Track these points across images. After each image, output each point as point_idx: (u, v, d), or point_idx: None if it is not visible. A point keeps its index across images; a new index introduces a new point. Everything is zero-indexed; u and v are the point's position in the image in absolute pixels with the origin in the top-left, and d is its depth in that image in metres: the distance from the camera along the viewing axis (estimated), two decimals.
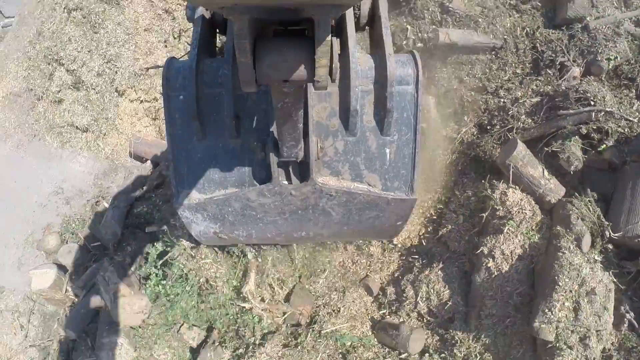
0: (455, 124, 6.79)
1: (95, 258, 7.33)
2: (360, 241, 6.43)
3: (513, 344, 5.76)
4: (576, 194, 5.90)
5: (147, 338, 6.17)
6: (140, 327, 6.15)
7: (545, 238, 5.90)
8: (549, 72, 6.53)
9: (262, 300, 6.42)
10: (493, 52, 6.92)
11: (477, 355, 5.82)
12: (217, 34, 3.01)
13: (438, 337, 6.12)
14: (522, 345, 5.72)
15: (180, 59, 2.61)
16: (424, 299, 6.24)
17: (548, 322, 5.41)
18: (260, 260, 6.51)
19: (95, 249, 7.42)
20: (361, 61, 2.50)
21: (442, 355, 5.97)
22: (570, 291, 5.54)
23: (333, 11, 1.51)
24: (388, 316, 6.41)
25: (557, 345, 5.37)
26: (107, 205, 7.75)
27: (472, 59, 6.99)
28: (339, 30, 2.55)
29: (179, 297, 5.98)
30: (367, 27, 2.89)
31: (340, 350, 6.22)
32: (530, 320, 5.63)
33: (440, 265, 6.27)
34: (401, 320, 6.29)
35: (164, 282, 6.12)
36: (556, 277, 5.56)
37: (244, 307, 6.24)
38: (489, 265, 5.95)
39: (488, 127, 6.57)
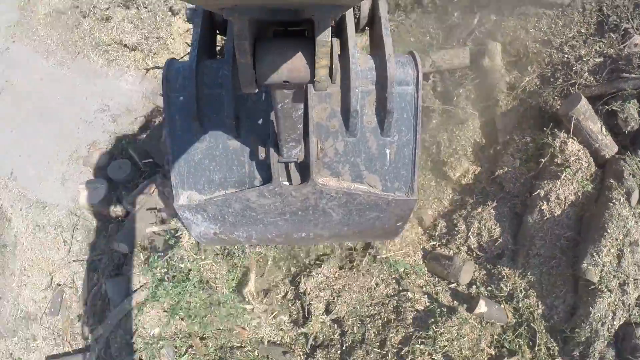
0: (518, 72, 6.97)
1: (145, 175, 7.12)
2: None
3: (556, 284, 6.22)
4: (628, 152, 6.34)
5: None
6: None
7: (597, 189, 6.33)
8: (612, 36, 6.83)
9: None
10: (560, 9, 7.12)
11: (522, 291, 6.24)
12: (217, 35, 3.01)
13: (485, 272, 6.47)
14: (565, 285, 6.20)
15: (180, 60, 2.61)
16: (475, 234, 6.54)
17: (594, 264, 5.89)
18: None
19: (146, 165, 7.21)
20: (361, 62, 2.52)
21: (489, 288, 6.34)
22: (616, 239, 6.04)
23: (333, 12, 1.52)
24: (438, 248, 6.66)
25: (599, 287, 5.87)
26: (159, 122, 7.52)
27: (540, 12, 7.15)
28: (339, 31, 2.56)
29: None
30: (367, 28, 2.90)
31: (393, 276, 6.41)
32: (575, 263, 6.09)
33: (494, 204, 6.56)
34: (451, 252, 6.55)
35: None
36: (605, 225, 6.02)
37: None
38: (542, 207, 6.31)
39: (551, 80, 6.82)
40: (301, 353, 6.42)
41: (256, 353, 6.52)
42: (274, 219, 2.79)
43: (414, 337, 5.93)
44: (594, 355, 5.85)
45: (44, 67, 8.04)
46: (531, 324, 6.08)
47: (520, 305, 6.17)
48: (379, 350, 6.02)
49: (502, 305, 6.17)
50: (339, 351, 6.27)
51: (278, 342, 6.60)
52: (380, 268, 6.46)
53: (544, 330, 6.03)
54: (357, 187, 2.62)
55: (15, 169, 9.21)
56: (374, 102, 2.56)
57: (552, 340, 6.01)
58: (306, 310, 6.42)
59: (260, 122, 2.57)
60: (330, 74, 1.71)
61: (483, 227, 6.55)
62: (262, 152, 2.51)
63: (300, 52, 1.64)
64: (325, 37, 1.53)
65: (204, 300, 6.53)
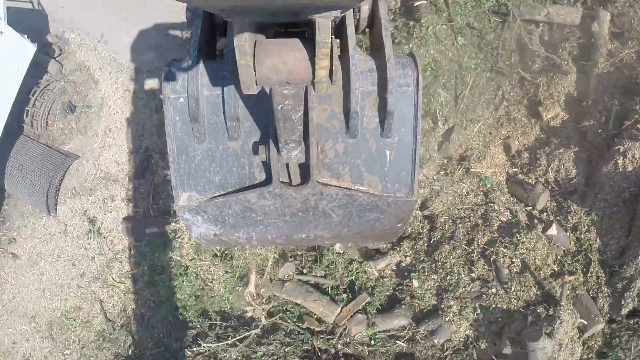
0: (619, 43, 7.80)
1: None
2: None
3: (614, 227, 7.21)
4: None
5: None
6: None
7: None
8: None
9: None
10: None
11: (585, 225, 7.19)
12: (217, 36, 3.03)
13: (556, 204, 7.37)
14: (621, 229, 7.20)
15: (181, 61, 2.59)
16: (554, 170, 7.40)
17: None
18: None
19: None
20: (361, 63, 2.50)
21: (557, 217, 7.23)
22: None
23: (333, 13, 1.52)
24: (519, 175, 7.45)
25: None
26: None
27: None
28: (339, 32, 2.55)
29: None
30: (367, 29, 2.91)
31: (482, 189, 7.15)
32: (634, 214, 7.09)
33: (575, 149, 7.44)
34: (530, 181, 7.38)
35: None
36: None
37: None
38: (618, 161, 7.25)
39: None
40: (388, 242, 7.05)
41: None
42: (274, 220, 2.75)
43: (498, 241, 6.72)
44: (634, 290, 6.90)
45: None
46: (588, 253, 7.05)
47: (582, 237, 7.11)
48: (465, 247, 6.76)
49: (567, 233, 7.08)
50: (425, 244, 6.96)
51: None
52: (471, 180, 7.17)
53: (597, 262, 7.01)
54: (357, 188, 2.61)
55: (106, 33, 8.99)
56: (374, 103, 2.54)
57: (602, 271, 7.00)
58: None
59: (260, 123, 2.54)
60: (331, 75, 1.71)
61: (562, 166, 7.41)
62: (262, 154, 2.49)
63: (300, 54, 1.63)
64: (325, 39, 1.53)
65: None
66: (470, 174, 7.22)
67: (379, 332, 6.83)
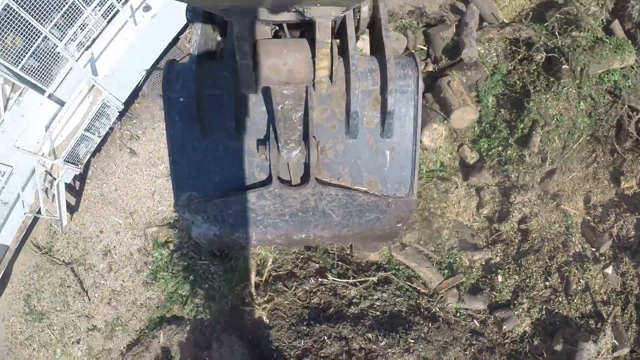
0: None
1: None
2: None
3: None
4: None
5: None
6: None
7: None
8: None
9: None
10: None
11: (631, 275, 9.17)
12: (218, 36, 3.05)
13: (613, 252, 9.37)
14: None
15: (181, 61, 2.63)
16: (619, 228, 9.38)
17: None
18: None
19: None
20: (361, 63, 2.50)
21: (613, 263, 9.18)
22: None
23: (333, 13, 1.53)
24: (592, 222, 9.40)
25: None
26: None
27: None
28: (339, 33, 2.56)
29: None
30: (367, 30, 2.91)
31: (564, 223, 9.04)
32: None
33: (638, 217, 9.42)
34: (599, 229, 9.33)
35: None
36: None
37: None
38: None
39: None
40: (484, 241, 8.85)
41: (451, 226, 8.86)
42: (274, 220, 2.76)
43: (572, 263, 8.66)
44: None
45: None
46: (628, 296, 9.04)
47: (627, 282, 9.11)
48: (547, 261, 8.65)
49: (617, 276, 9.04)
50: (515, 251, 8.80)
51: (469, 226, 9.00)
52: (558, 214, 9.10)
53: (633, 304, 9.02)
54: (357, 188, 2.61)
55: None
56: (374, 103, 2.53)
57: (635, 312, 8.99)
58: (503, 213, 8.87)
59: (260, 123, 2.55)
60: (331, 76, 1.70)
61: (625, 226, 9.45)
62: (262, 154, 2.50)
63: (300, 54, 1.63)
64: (325, 39, 1.53)
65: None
66: (559, 209, 9.12)
67: (463, 308, 8.58)
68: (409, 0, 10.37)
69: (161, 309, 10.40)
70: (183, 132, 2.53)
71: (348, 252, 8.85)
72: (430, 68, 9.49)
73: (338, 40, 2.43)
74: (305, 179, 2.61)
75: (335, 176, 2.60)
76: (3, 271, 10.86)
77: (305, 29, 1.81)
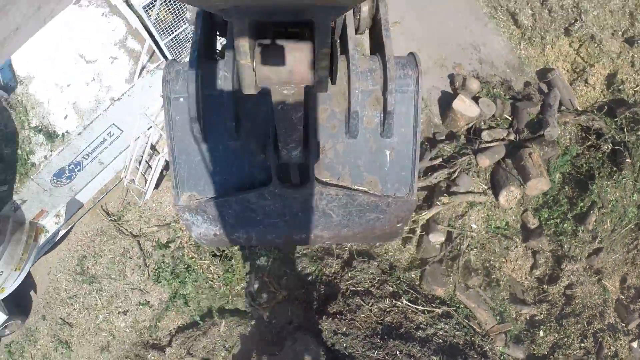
0: None
1: None
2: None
3: None
4: None
5: None
6: None
7: None
8: None
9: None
10: None
11: None
12: (218, 36, 3.10)
13: None
14: None
15: (181, 61, 2.60)
16: None
17: None
18: None
19: None
20: (361, 63, 2.48)
21: None
22: None
23: (333, 13, 1.55)
24: (624, 301, 10.67)
25: None
26: None
27: None
28: (340, 33, 2.55)
29: None
30: (367, 30, 2.89)
31: (602, 296, 10.28)
32: None
33: None
34: (631, 308, 10.61)
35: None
36: None
37: None
38: None
39: None
40: (532, 298, 9.97)
41: (505, 279, 10.00)
42: (274, 220, 2.76)
43: (606, 332, 9.85)
44: None
45: None
46: None
47: None
48: (584, 325, 9.84)
49: None
50: (557, 312, 9.97)
51: (521, 283, 10.16)
52: (598, 287, 10.32)
53: None
54: (357, 188, 2.60)
55: None
56: (374, 103, 2.53)
57: None
58: (553, 277, 10.07)
59: (260, 123, 2.55)
60: (331, 76, 1.76)
61: None
62: (262, 154, 2.50)
63: (300, 54, 1.64)
64: (325, 39, 1.55)
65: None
66: (600, 283, 10.37)
67: (506, 353, 9.68)
68: (499, 72, 11.70)
69: (223, 299, 11.12)
70: (183, 132, 2.51)
71: (417, 282, 9.88)
72: (512, 137, 10.73)
73: (338, 40, 2.45)
74: (305, 179, 2.60)
75: (335, 176, 2.58)
76: (70, 227, 11.41)
77: (306, 29, 1.79)
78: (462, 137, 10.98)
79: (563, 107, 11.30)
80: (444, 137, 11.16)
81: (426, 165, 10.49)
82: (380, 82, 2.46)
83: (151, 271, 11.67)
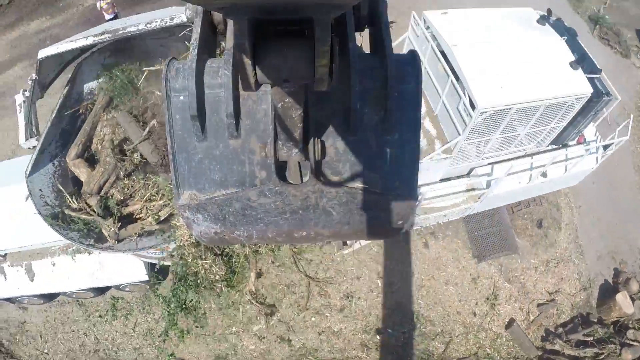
0: None
1: None
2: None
3: None
4: None
5: None
6: None
7: None
8: None
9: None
10: None
11: None
12: (217, 34, 2.96)
13: None
14: None
15: (181, 60, 2.54)
16: None
17: None
18: None
19: None
20: (361, 60, 2.44)
21: None
22: None
23: (333, 11, 1.55)
24: None
25: None
26: None
27: None
28: (339, 30, 2.43)
29: None
30: (367, 27, 2.79)
31: None
32: None
33: None
34: None
35: None
36: None
37: None
38: None
39: None
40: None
41: None
42: (275, 218, 2.70)
43: None
44: None
45: None
46: None
47: None
48: None
49: None
50: None
51: None
52: None
53: None
54: (358, 186, 2.57)
55: None
56: (374, 101, 2.50)
57: None
58: None
59: (260, 121, 2.51)
60: (331, 73, 1.75)
61: None
62: (262, 152, 2.50)
63: (300, 52, 1.66)
64: (325, 36, 1.56)
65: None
66: None
67: None
68: None
69: None
70: (183, 130, 2.52)
71: None
72: None
73: (338, 38, 2.46)
74: (305, 177, 2.63)
75: (335, 174, 2.55)
76: None
77: (305, 26, 1.79)
78: (611, 326, 12.72)
79: None
80: (595, 320, 12.90)
81: (578, 338, 12.18)
82: (380, 80, 2.45)
83: None
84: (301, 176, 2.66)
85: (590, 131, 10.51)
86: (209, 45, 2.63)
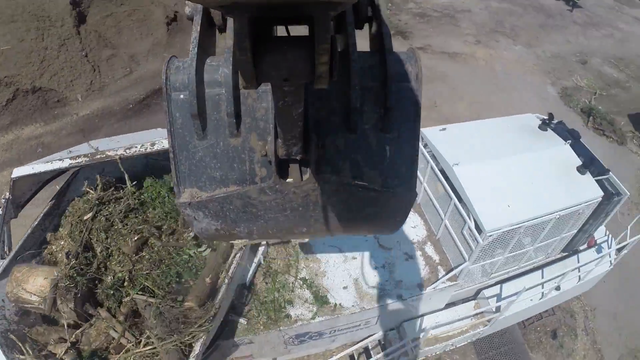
0: None
1: None
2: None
3: None
4: None
5: None
6: None
7: None
8: None
9: None
10: None
11: None
12: (217, 33, 3.08)
13: None
14: None
15: (181, 58, 2.64)
16: None
17: None
18: None
19: None
20: (361, 58, 2.50)
21: None
22: None
23: (333, 8, 1.55)
24: None
25: None
26: None
27: None
28: (339, 28, 2.58)
29: None
30: (366, 24, 2.84)
31: None
32: None
33: None
34: None
35: None
36: None
37: None
38: None
39: None
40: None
41: None
42: (275, 215, 2.81)
43: None
44: None
45: None
46: None
47: None
48: None
49: None
50: None
51: None
52: None
53: None
54: (357, 184, 2.63)
55: None
56: (374, 99, 2.54)
57: None
58: None
59: (260, 119, 2.58)
60: (331, 71, 1.72)
61: None
62: (262, 150, 2.54)
63: (300, 50, 1.64)
64: (325, 34, 1.55)
65: None
66: None
67: None
68: None
69: None
70: (183, 129, 2.56)
71: None
72: None
73: (338, 36, 2.51)
74: (305, 174, 2.61)
75: (335, 171, 2.59)
76: None
77: (305, 24, 1.81)
78: None
79: None
80: None
81: None
82: (380, 78, 2.47)
83: None
84: (301, 174, 2.59)
85: (600, 230, 9.57)
86: (209, 43, 2.66)
